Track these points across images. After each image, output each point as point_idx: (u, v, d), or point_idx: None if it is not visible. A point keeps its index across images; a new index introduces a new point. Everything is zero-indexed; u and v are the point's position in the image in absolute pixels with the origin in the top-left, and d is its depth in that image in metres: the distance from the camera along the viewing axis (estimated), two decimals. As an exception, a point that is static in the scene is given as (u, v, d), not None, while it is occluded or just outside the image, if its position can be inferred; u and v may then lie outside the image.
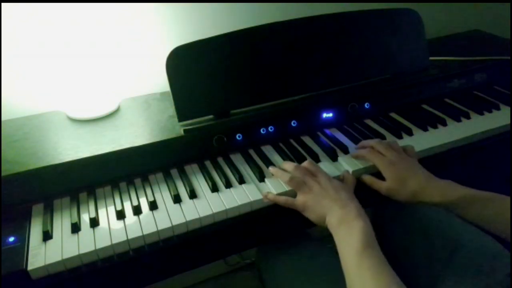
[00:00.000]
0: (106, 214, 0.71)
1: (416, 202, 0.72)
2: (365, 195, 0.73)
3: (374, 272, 0.57)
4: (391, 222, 0.91)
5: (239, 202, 0.71)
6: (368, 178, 0.77)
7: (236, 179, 0.77)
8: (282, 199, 0.71)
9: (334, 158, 0.82)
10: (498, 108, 0.97)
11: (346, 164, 0.79)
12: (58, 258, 0.62)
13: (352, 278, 0.59)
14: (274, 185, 0.74)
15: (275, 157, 0.83)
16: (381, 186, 0.75)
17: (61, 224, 0.69)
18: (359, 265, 0.58)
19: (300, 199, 0.70)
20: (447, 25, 1.32)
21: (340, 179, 0.76)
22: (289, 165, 0.76)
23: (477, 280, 0.71)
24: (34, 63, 0.89)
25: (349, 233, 0.61)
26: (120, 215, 0.69)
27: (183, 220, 0.68)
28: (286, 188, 0.73)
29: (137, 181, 0.78)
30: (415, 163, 0.76)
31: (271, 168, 0.78)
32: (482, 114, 0.95)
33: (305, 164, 0.75)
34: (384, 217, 0.93)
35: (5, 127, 0.86)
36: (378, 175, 0.76)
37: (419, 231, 0.83)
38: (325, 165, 0.79)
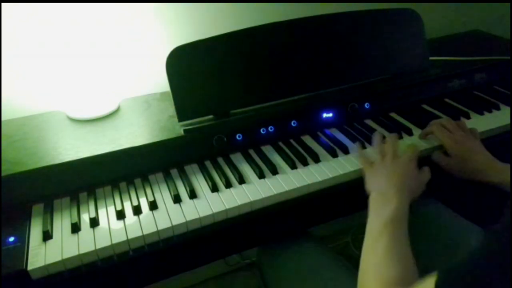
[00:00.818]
0: (106, 214, 0.71)
1: (476, 180, 0.76)
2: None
3: (389, 246, 0.58)
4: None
5: (239, 202, 0.71)
6: (436, 154, 0.81)
7: (236, 179, 0.77)
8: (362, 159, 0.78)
9: (334, 158, 0.82)
10: (498, 108, 0.97)
11: (347, 164, 0.79)
12: (58, 258, 0.62)
13: (368, 246, 0.60)
14: (274, 185, 0.74)
15: (275, 157, 0.83)
16: (445, 161, 0.79)
17: (61, 224, 0.69)
18: (376, 238, 0.60)
19: (367, 168, 0.75)
20: (447, 25, 1.32)
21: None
22: (377, 137, 0.81)
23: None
24: (34, 63, 0.89)
25: (381, 208, 0.63)
26: (120, 215, 0.69)
27: (183, 220, 0.68)
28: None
29: (137, 181, 0.78)
30: (479, 144, 0.79)
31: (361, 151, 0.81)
32: (482, 114, 0.95)
33: (387, 141, 0.78)
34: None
35: (5, 127, 0.86)
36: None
37: (420, 231, 0.83)
38: (325, 165, 0.79)
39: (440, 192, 0.90)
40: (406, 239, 0.60)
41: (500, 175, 0.73)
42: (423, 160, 0.77)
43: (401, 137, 0.88)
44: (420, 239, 0.81)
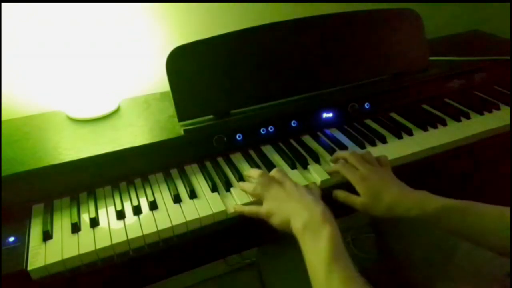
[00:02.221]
0: (106, 214, 0.71)
1: (394, 217, 0.68)
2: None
3: (343, 285, 0.53)
4: (389, 224, 0.91)
5: (239, 202, 0.71)
6: (341, 194, 0.73)
7: (236, 179, 0.77)
8: (247, 209, 0.69)
9: (334, 158, 0.82)
10: (498, 108, 0.97)
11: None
12: (58, 258, 0.62)
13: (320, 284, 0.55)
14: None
15: (275, 157, 0.83)
16: (355, 201, 0.70)
17: (61, 224, 0.69)
18: (327, 277, 0.54)
19: (265, 206, 0.67)
20: (447, 25, 1.32)
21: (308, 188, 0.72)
22: (254, 172, 0.73)
23: (476, 281, 0.71)
24: (34, 63, 0.89)
25: (316, 240, 0.57)
26: (120, 215, 0.69)
27: (183, 220, 0.68)
28: (251, 198, 0.71)
29: (137, 181, 0.78)
30: (388, 174, 0.72)
31: (240, 183, 0.74)
32: (482, 114, 0.95)
33: (272, 172, 0.73)
34: (382, 219, 0.93)
35: (5, 127, 0.86)
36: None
37: (417, 233, 0.83)
38: (325, 165, 0.79)
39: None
40: (353, 266, 0.55)
41: (417, 206, 0.65)
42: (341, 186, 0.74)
43: (401, 137, 0.88)
44: (416, 241, 0.81)
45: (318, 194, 0.70)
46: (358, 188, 0.70)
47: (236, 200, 0.72)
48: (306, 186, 0.72)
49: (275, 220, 0.65)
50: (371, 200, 0.69)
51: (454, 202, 0.64)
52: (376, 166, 0.73)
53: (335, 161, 0.79)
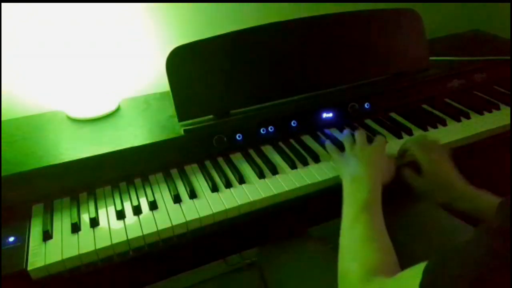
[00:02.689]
0: (106, 214, 0.71)
1: (447, 206, 0.73)
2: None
3: (367, 233, 0.58)
4: (390, 221, 0.91)
5: (239, 202, 0.71)
6: (407, 171, 0.76)
7: (236, 179, 0.77)
8: (335, 149, 0.79)
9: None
10: (498, 108, 0.97)
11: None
12: (58, 258, 0.62)
13: (346, 233, 0.60)
14: (274, 185, 0.74)
15: (275, 157, 0.83)
16: (418, 183, 0.74)
17: (61, 224, 0.69)
18: (356, 221, 0.60)
19: (346, 152, 0.75)
20: (447, 25, 1.32)
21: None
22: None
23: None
24: (34, 63, 0.89)
25: (356, 191, 0.64)
26: (120, 215, 0.69)
27: (183, 220, 0.68)
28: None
29: (137, 181, 0.78)
30: (453, 167, 0.74)
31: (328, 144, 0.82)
32: (482, 114, 0.95)
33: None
34: (385, 218, 0.93)
35: (5, 127, 0.86)
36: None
37: (418, 231, 0.83)
38: (325, 165, 0.79)
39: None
40: (382, 224, 0.60)
41: (473, 203, 0.69)
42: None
43: (401, 137, 0.88)
44: (416, 240, 0.81)
45: (380, 147, 0.75)
46: (426, 169, 0.73)
47: (237, 200, 0.72)
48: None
49: (340, 167, 0.74)
50: (432, 184, 0.73)
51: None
52: (445, 156, 0.75)
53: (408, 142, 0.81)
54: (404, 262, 0.79)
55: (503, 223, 0.40)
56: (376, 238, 0.58)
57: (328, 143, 0.82)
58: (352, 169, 0.69)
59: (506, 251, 0.38)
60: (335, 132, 0.91)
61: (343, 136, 0.81)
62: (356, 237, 0.58)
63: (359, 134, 0.77)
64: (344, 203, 0.65)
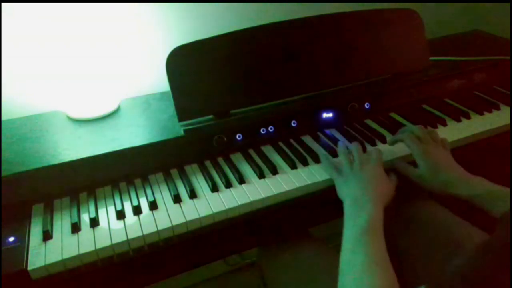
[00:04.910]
0: (106, 214, 0.71)
1: (444, 193, 0.73)
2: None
3: (368, 258, 0.56)
4: (391, 221, 0.91)
5: (239, 202, 0.71)
6: (401, 165, 0.78)
7: (236, 179, 0.77)
8: (335, 160, 0.78)
9: (334, 158, 0.82)
10: (498, 108, 0.97)
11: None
12: (58, 258, 0.62)
13: (347, 257, 0.59)
14: (274, 185, 0.74)
15: (275, 157, 0.83)
16: (413, 172, 0.76)
17: (61, 224, 0.69)
18: (357, 245, 0.59)
19: (343, 170, 0.73)
20: (447, 25, 1.32)
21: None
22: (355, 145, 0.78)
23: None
24: (34, 63, 0.89)
25: (358, 214, 0.63)
26: (120, 215, 0.69)
27: (183, 220, 0.68)
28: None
29: (137, 181, 0.78)
30: (449, 155, 0.77)
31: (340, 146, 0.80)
32: (482, 114, 0.95)
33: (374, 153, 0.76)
34: (384, 217, 0.93)
35: (5, 127, 0.86)
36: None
37: (418, 232, 0.83)
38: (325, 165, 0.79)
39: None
40: (384, 249, 0.59)
41: (470, 189, 0.69)
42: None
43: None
44: (418, 239, 0.81)
45: (394, 182, 0.74)
46: (419, 160, 0.75)
47: (237, 200, 0.72)
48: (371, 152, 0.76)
49: (338, 188, 0.72)
50: (429, 174, 0.73)
51: (503, 189, 0.68)
52: (439, 145, 0.78)
53: (402, 132, 0.82)
54: (406, 265, 0.79)
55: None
56: (377, 265, 0.56)
57: (325, 162, 0.78)
58: (353, 191, 0.68)
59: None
60: (335, 132, 0.91)
61: (338, 149, 0.79)
62: (357, 263, 0.57)
63: (357, 150, 0.76)
64: (345, 224, 0.64)
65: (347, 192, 0.69)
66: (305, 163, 0.80)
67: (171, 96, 0.80)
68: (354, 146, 0.77)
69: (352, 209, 0.65)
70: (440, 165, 0.73)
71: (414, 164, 0.76)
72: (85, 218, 0.69)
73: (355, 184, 0.69)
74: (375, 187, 0.68)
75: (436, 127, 0.91)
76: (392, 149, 0.83)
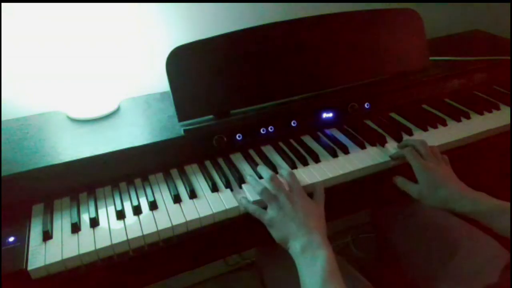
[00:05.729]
0: (106, 214, 0.71)
1: (445, 209, 0.71)
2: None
3: None
4: (390, 223, 0.91)
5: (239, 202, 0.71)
6: (400, 180, 0.77)
7: (236, 179, 0.77)
8: (251, 209, 0.69)
9: (334, 158, 0.82)
10: (498, 108, 0.97)
11: (347, 164, 0.79)
12: (58, 258, 0.62)
13: None
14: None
15: (275, 157, 0.83)
16: (412, 188, 0.75)
17: (61, 224, 0.69)
18: None
19: (268, 215, 0.67)
20: (447, 25, 1.32)
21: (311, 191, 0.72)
22: (266, 173, 0.73)
23: (476, 280, 0.71)
24: (34, 63, 0.89)
25: (313, 261, 0.59)
26: (120, 215, 0.69)
27: (183, 220, 0.68)
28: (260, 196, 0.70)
29: (137, 181, 0.78)
30: (450, 170, 0.75)
31: (249, 178, 0.75)
32: (482, 114, 0.95)
33: (284, 176, 0.73)
34: (383, 218, 0.93)
35: (5, 127, 0.86)
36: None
37: (418, 232, 0.84)
38: (325, 165, 0.79)
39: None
40: (344, 284, 0.57)
41: (471, 205, 0.68)
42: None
43: (401, 137, 0.88)
44: (417, 240, 0.81)
45: (322, 200, 0.70)
46: (419, 175, 0.73)
47: (237, 200, 0.72)
48: (311, 186, 0.73)
49: (274, 234, 0.66)
50: (428, 191, 0.72)
51: (506, 205, 0.66)
52: (440, 161, 0.76)
53: (403, 146, 0.81)
54: (405, 266, 0.79)
55: None
56: None
57: (250, 207, 0.69)
58: (295, 237, 0.62)
59: None
60: (335, 132, 0.91)
61: (254, 189, 0.71)
62: None
63: (276, 183, 0.69)
64: (301, 272, 0.60)
65: (289, 240, 0.63)
66: (305, 163, 0.80)
67: (171, 96, 0.80)
68: (267, 177, 0.71)
69: (303, 257, 0.60)
70: (440, 180, 0.71)
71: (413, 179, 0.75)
72: (85, 218, 0.69)
73: (295, 228, 0.63)
74: (313, 220, 0.65)
75: (436, 127, 0.91)
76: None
